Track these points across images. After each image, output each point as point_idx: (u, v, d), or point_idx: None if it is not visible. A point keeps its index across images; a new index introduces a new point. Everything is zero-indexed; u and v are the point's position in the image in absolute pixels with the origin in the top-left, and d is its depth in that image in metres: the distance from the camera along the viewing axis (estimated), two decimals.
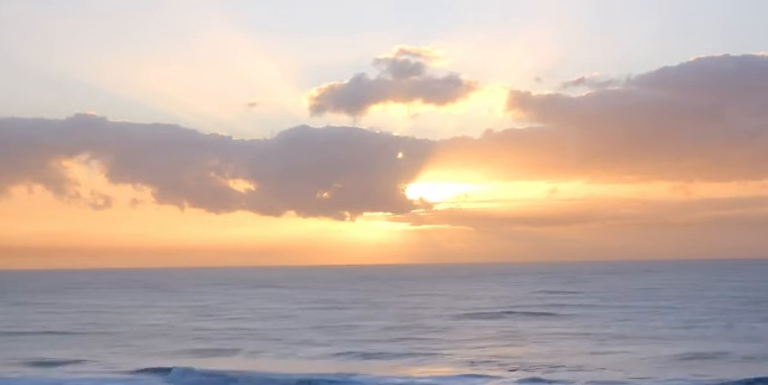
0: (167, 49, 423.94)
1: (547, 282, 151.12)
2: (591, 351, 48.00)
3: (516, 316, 72.63)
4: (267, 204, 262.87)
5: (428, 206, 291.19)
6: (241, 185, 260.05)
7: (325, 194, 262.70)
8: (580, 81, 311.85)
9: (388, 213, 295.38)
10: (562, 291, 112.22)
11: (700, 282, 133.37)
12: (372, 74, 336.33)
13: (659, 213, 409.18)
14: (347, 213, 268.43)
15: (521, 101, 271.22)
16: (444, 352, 48.87)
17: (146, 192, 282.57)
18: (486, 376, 40.01)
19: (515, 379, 39.09)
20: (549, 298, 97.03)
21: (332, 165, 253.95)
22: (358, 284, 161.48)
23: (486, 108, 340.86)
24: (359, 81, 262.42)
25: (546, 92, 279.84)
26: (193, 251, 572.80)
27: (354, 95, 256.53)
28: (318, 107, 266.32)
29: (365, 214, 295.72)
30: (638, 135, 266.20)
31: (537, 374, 39.57)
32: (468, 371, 41.29)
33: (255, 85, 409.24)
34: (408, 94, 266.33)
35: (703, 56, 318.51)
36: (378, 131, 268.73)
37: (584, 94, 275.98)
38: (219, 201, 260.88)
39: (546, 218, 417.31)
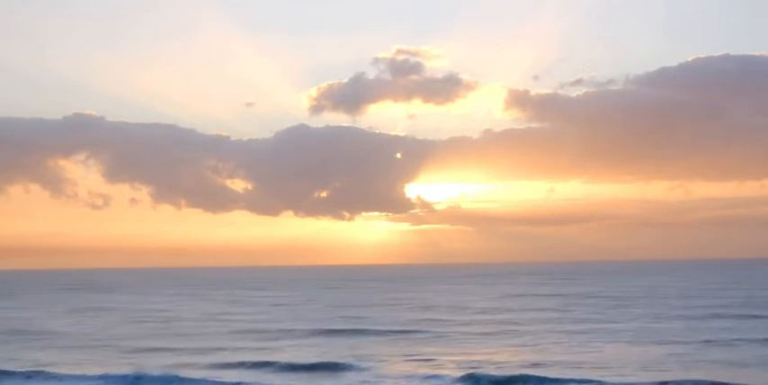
0: (166, 49, 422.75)
1: (494, 287, 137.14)
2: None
3: (311, 334, 57.70)
4: (265, 204, 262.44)
5: (427, 206, 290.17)
6: (239, 185, 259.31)
7: (324, 194, 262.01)
8: (579, 81, 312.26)
9: (387, 213, 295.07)
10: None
11: (667, 287, 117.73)
12: (371, 73, 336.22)
13: (658, 213, 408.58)
14: (346, 213, 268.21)
15: (519, 100, 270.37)
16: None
17: (143, 192, 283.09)
18: None
19: None
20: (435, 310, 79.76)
21: (330, 164, 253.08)
22: (246, 291, 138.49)
23: (484, 107, 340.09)
24: (358, 80, 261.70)
25: (545, 91, 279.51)
26: (190, 251, 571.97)
27: (353, 95, 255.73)
28: (317, 107, 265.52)
29: (364, 214, 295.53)
30: (636, 135, 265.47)
31: None
32: None
33: (254, 85, 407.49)
34: (407, 94, 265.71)
35: (702, 56, 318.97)
36: (377, 131, 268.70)
37: (582, 94, 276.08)
38: (217, 200, 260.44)
39: (545, 217, 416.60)
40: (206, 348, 50.02)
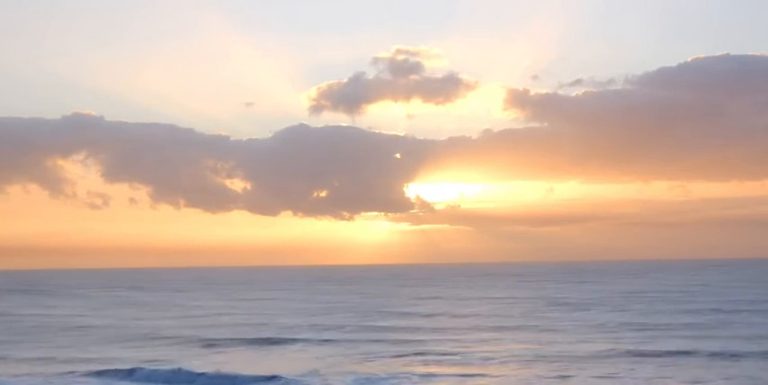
0: (165, 49, 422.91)
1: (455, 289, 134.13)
2: None
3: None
4: (264, 204, 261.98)
5: (427, 206, 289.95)
6: (238, 185, 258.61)
7: (323, 194, 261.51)
8: (578, 81, 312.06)
9: (387, 213, 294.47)
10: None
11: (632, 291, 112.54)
12: (371, 73, 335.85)
13: (658, 213, 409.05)
14: (345, 213, 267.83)
15: (519, 99, 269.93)
16: None
17: (142, 192, 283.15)
18: None
19: None
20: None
21: (330, 164, 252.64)
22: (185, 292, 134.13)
23: (484, 107, 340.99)
24: (357, 80, 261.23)
25: (544, 91, 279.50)
26: (189, 251, 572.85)
27: (353, 95, 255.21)
28: (317, 106, 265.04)
29: (363, 214, 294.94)
30: (636, 135, 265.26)
31: None
32: None
33: (254, 85, 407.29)
34: (407, 94, 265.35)
35: (702, 56, 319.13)
36: (376, 131, 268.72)
37: (581, 94, 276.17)
38: (216, 200, 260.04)
39: (544, 217, 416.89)
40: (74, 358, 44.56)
